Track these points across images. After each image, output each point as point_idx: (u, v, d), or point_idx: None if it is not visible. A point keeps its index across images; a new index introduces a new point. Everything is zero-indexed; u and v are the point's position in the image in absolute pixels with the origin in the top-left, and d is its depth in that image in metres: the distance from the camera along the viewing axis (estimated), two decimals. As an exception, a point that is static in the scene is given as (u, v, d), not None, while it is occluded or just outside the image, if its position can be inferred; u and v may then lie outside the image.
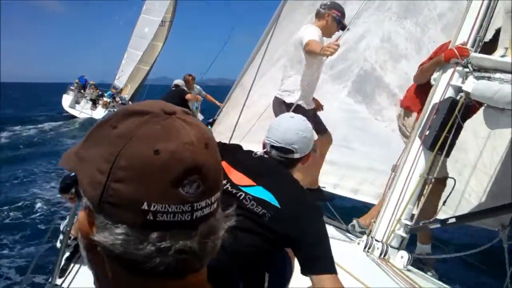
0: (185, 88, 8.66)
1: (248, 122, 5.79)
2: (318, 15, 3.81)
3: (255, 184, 1.62)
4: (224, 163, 1.65)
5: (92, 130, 0.63)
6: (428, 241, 3.36)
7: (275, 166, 1.78)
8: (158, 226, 0.56)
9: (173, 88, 8.61)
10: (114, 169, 0.56)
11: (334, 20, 3.74)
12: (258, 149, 1.85)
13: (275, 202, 1.57)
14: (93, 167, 0.58)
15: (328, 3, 3.82)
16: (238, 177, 1.65)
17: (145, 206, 0.55)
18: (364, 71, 5.21)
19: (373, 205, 3.84)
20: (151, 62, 30.42)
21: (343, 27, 3.76)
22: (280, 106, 3.85)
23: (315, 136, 2.92)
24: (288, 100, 3.78)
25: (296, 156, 1.80)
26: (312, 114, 3.89)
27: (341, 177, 5.01)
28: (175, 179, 0.56)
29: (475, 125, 3.57)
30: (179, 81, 8.73)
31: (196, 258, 0.60)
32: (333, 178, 5.11)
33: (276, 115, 3.79)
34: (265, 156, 1.82)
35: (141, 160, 0.56)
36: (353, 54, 5.30)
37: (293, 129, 1.80)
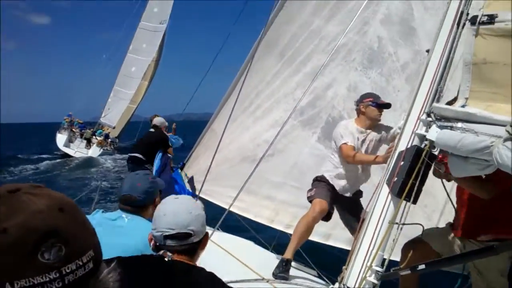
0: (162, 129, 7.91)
1: (218, 166, 5.81)
2: (357, 112, 4.04)
3: None
4: None
5: None
6: None
7: (196, 270, 1.49)
8: None
9: (152, 130, 7.83)
10: None
11: (369, 106, 3.89)
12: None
13: None
14: None
15: (358, 98, 4.06)
16: None
17: (8, 287, 0.53)
18: (332, 118, 5.36)
19: (348, 250, 3.84)
20: (138, 100, 30.87)
21: (384, 106, 3.92)
22: None
23: None
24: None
25: (196, 239, 1.55)
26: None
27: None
28: (31, 249, 0.55)
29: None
30: (158, 121, 7.92)
31: None
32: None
33: None
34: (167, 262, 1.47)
35: None
36: (321, 101, 5.47)
37: (184, 209, 1.57)
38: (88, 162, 24.78)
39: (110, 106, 31.04)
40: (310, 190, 3.89)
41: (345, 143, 3.76)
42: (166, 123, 8.11)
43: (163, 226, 1.53)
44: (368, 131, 3.92)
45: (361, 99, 3.99)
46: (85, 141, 28.35)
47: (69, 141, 28.20)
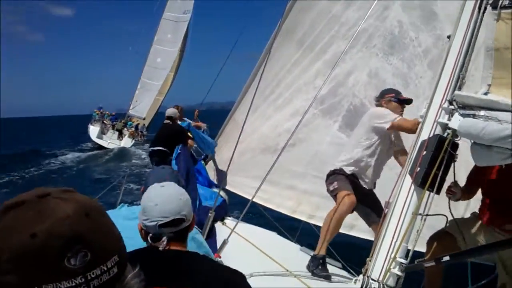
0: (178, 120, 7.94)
1: (240, 157, 5.83)
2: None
3: None
4: None
5: None
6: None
7: (188, 256, 1.53)
8: None
9: (168, 122, 7.78)
10: (0, 264, 0.57)
11: (390, 102, 3.86)
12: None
13: None
14: None
15: (378, 94, 4.03)
16: None
17: None
18: (354, 106, 5.29)
19: (372, 241, 3.81)
20: (164, 91, 31.33)
21: (406, 101, 3.88)
22: None
23: None
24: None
25: (187, 224, 1.58)
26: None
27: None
28: (58, 254, 0.57)
29: (467, 158, 3.62)
30: (171, 112, 7.86)
31: None
32: (326, 214, 5.09)
33: None
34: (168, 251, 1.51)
35: (20, 248, 0.57)
36: (342, 89, 5.40)
37: (174, 196, 1.58)
38: (123, 153, 25.61)
39: (138, 98, 31.66)
40: (330, 183, 3.84)
41: (395, 118, 3.66)
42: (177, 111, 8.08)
43: (156, 215, 1.53)
44: None
45: (382, 95, 3.91)
46: (117, 133, 29.11)
47: (102, 132, 28.95)
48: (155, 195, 1.58)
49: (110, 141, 28.27)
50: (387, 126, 3.68)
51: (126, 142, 28.19)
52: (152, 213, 1.54)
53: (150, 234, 1.55)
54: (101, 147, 27.77)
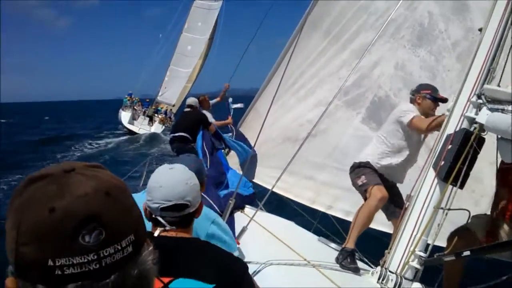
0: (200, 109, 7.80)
1: (262, 146, 5.83)
2: (411, 101, 3.88)
3: (172, 278, 1.31)
4: None
5: (9, 202, 0.67)
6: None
7: (185, 243, 1.51)
8: (69, 279, 0.59)
9: (189, 109, 7.70)
10: (19, 235, 0.60)
11: (426, 99, 3.76)
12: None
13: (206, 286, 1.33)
14: (8, 237, 0.62)
15: (414, 88, 3.90)
16: None
17: (50, 263, 0.58)
18: (378, 98, 5.22)
19: (390, 234, 3.77)
20: (192, 79, 31.70)
21: (441, 100, 3.78)
22: None
23: None
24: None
25: (192, 210, 1.54)
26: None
27: (354, 204, 4.97)
28: (72, 231, 0.59)
29: (490, 154, 3.55)
30: (192, 101, 7.84)
31: None
32: (346, 206, 5.08)
33: None
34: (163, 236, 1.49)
35: (38, 221, 0.59)
36: (367, 81, 5.32)
37: (180, 180, 1.53)
38: (153, 138, 26.05)
39: (167, 85, 32.14)
40: (357, 177, 3.76)
41: (414, 116, 3.59)
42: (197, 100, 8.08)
43: (159, 198, 1.50)
44: None
45: (418, 89, 3.81)
46: (147, 118, 29.62)
47: (133, 118, 29.48)
48: (161, 177, 1.55)
49: (141, 127, 28.81)
50: (406, 120, 3.62)
51: (157, 127, 28.74)
52: (156, 194, 1.51)
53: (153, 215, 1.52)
54: (132, 132, 28.38)
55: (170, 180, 1.52)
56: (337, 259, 3.37)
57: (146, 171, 6.26)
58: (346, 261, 3.32)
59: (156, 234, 1.47)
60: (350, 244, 3.47)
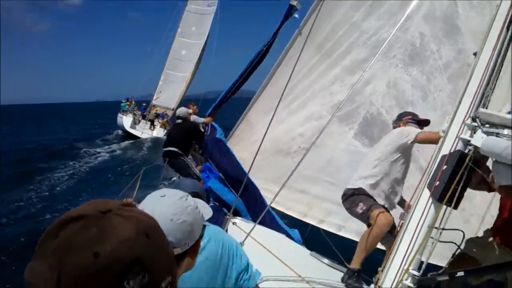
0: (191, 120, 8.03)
1: (252, 157, 5.83)
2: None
3: None
4: None
5: (39, 242, 0.64)
6: None
7: None
8: None
9: (180, 122, 7.76)
10: (61, 279, 0.58)
11: (409, 124, 3.87)
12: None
13: None
14: (44, 279, 0.59)
15: (395, 118, 4.03)
16: None
17: None
18: (370, 114, 5.30)
19: (383, 251, 3.81)
20: (187, 83, 31.80)
21: (424, 122, 3.88)
22: None
23: None
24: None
25: (178, 252, 1.23)
26: None
27: (346, 219, 5.02)
28: (118, 277, 0.59)
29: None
30: (181, 112, 7.85)
31: None
32: (337, 220, 5.12)
33: None
34: None
35: (82, 266, 0.58)
36: (360, 97, 5.40)
37: (164, 215, 1.26)
38: (157, 143, 25.79)
39: (162, 89, 32.21)
40: (354, 205, 3.72)
41: (419, 133, 3.63)
42: (190, 110, 8.24)
43: None
44: None
45: (400, 117, 3.92)
46: (149, 123, 29.50)
47: (134, 123, 29.26)
48: (148, 206, 1.30)
49: (144, 131, 28.78)
50: (411, 140, 3.64)
51: (158, 132, 28.72)
52: None
53: None
54: (133, 137, 28.21)
55: (155, 212, 1.21)
56: (342, 278, 3.44)
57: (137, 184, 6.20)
58: (352, 280, 3.42)
59: None
60: (355, 264, 3.53)
